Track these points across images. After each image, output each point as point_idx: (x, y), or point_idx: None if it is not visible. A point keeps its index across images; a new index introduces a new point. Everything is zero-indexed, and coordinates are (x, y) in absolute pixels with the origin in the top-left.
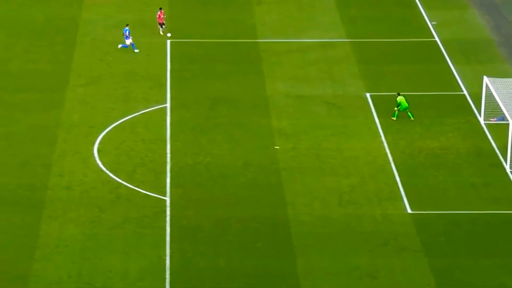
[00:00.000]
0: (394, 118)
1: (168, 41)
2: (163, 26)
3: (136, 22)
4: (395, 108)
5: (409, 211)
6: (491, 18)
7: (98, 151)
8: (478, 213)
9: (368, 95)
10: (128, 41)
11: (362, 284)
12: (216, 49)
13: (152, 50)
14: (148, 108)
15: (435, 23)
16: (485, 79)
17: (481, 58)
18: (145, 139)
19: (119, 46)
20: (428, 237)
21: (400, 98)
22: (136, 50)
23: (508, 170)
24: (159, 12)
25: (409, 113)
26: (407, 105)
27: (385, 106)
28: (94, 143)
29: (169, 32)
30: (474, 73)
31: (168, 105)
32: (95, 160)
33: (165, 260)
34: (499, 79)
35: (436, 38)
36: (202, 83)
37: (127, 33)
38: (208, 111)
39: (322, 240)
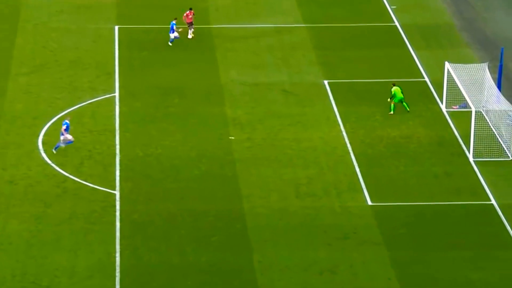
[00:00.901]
0: (391, 112)
1: (116, 27)
2: (191, 27)
3: (81, 7)
4: (389, 100)
5: (369, 203)
6: (452, 2)
7: (43, 143)
8: (440, 204)
9: (326, 82)
10: (172, 35)
11: (321, 279)
12: (166, 35)
13: (99, 37)
14: (95, 98)
15: (395, 7)
16: (447, 65)
17: (443, 43)
18: (93, 130)
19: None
20: (389, 230)
21: (394, 89)
22: (170, 44)
23: (470, 159)
24: (187, 12)
25: (404, 103)
26: (402, 96)
27: (343, 94)
28: (38, 135)
29: (192, 34)
30: (436, 59)
31: (116, 94)
32: (40, 153)
33: (114, 256)
34: (461, 64)
35: (396, 23)
36: (152, 71)
37: (174, 27)
38: (158, 101)
39: (279, 233)
